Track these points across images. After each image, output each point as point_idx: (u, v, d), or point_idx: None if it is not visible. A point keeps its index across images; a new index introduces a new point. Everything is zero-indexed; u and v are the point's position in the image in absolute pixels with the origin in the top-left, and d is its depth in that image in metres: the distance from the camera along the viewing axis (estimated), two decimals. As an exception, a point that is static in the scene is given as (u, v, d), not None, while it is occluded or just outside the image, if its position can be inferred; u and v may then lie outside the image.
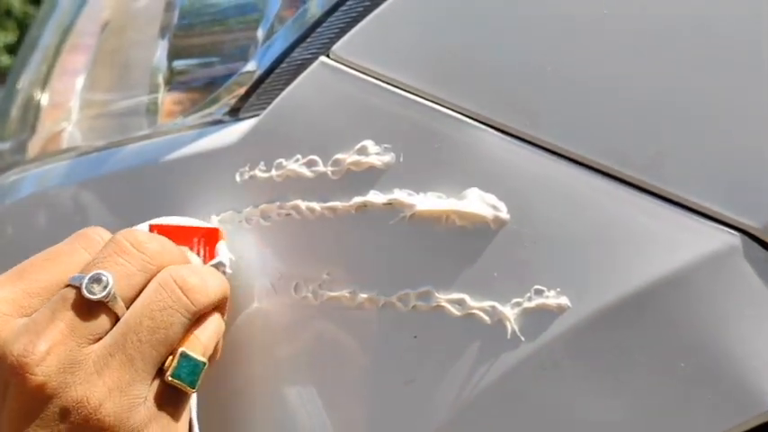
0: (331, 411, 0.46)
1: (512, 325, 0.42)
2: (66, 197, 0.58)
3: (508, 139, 0.44)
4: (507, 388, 0.42)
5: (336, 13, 0.48)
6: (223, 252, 0.47)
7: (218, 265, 0.46)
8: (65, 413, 0.38)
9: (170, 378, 0.41)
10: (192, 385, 0.41)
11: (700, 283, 0.40)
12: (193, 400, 0.45)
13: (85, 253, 0.43)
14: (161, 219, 0.47)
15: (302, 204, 0.47)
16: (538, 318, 0.42)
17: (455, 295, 0.43)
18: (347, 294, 0.45)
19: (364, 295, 0.45)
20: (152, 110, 0.57)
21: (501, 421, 0.43)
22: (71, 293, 0.40)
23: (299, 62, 0.49)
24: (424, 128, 0.45)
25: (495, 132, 0.44)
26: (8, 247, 0.62)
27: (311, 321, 0.46)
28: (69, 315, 0.39)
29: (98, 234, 0.44)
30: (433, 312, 0.43)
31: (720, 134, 0.41)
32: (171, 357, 0.41)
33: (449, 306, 0.43)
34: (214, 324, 0.44)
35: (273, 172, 0.48)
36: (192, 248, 0.47)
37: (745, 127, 0.41)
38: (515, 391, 0.42)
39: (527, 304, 0.42)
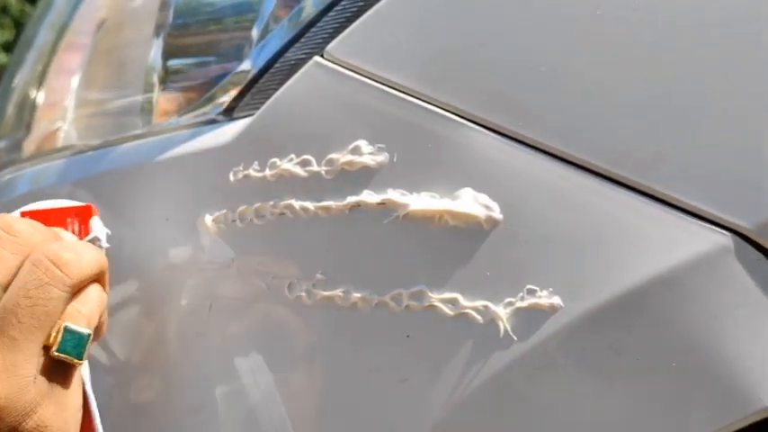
0: (322, 409, 0.46)
1: (504, 324, 0.42)
2: (60, 196, 0.58)
3: (502, 139, 0.44)
4: (500, 387, 0.42)
5: (331, 13, 0.48)
6: (97, 227, 0.48)
7: (94, 240, 0.47)
8: None
9: (56, 353, 0.41)
10: (80, 357, 0.42)
11: (692, 283, 0.41)
12: (86, 371, 0.45)
13: None
14: (31, 205, 0.48)
15: (296, 204, 0.47)
16: (530, 317, 0.42)
17: (448, 295, 0.43)
18: (340, 294, 0.45)
19: (357, 295, 0.45)
20: (147, 109, 0.57)
21: (494, 420, 0.43)
22: None
23: (293, 62, 0.49)
24: (418, 128, 0.45)
25: (489, 132, 0.44)
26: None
27: (305, 321, 0.46)
28: None
29: None
30: (425, 312, 0.44)
31: (713, 135, 0.41)
32: (54, 333, 0.41)
33: (442, 305, 0.43)
34: (94, 295, 0.44)
35: (267, 171, 0.48)
36: (66, 228, 0.47)
37: (738, 128, 0.41)
38: (508, 390, 0.42)
39: (520, 304, 0.42)
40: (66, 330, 0.41)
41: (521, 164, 0.43)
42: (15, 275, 0.42)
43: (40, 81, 0.70)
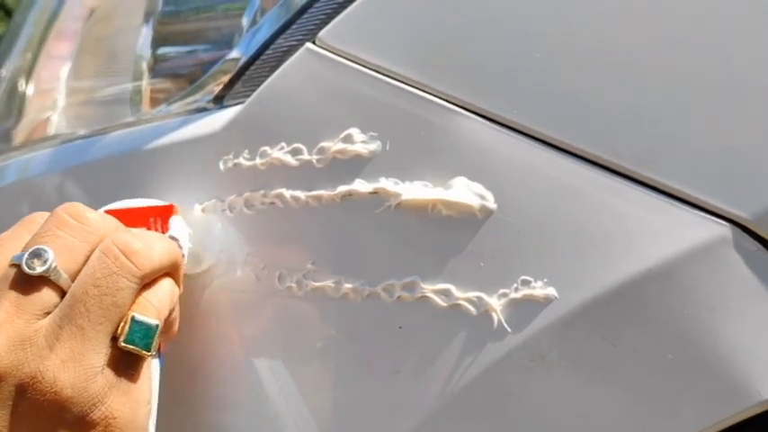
0: (313, 402, 0.45)
1: (498, 316, 0.42)
2: (49, 185, 0.57)
3: (496, 127, 0.43)
4: (493, 379, 0.42)
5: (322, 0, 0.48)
6: (176, 226, 0.46)
7: (171, 239, 0.46)
8: (21, 391, 0.38)
9: (123, 344, 0.40)
10: (147, 348, 0.41)
11: (690, 274, 0.40)
12: (155, 364, 0.44)
13: (29, 236, 0.42)
14: (114, 204, 0.47)
15: (286, 193, 0.46)
16: (524, 309, 0.41)
17: (441, 286, 0.43)
18: (331, 285, 0.44)
19: (349, 285, 0.44)
20: (136, 98, 0.57)
21: (487, 412, 0.42)
22: (12, 272, 0.40)
23: (284, 49, 0.48)
24: (411, 116, 0.44)
25: (483, 121, 0.43)
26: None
27: (295, 312, 0.46)
28: (12, 293, 0.39)
29: (43, 218, 0.43)
30: (418, 303, 0.43)
31: (711, 125, 0.41)
32: (123, 323, 0.40)
33: (434, 297, 0.43)
34: (166, 287, 0.43)
35: (258, 160, 0.47)
36: (149, 228, 0.46)
37: (737, 118, 0.40)
38: (501, 382, 0.42)
39: (513, 295, 0.41)
40: (134, 321, 0.40)
41: (516, 152, 0.42)
42: (84, 264, 0.41)
43: (29, 70, 0.69)
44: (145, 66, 0.56)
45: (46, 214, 0.43)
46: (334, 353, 0.45)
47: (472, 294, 0.42)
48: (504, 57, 0.43)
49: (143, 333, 0.40)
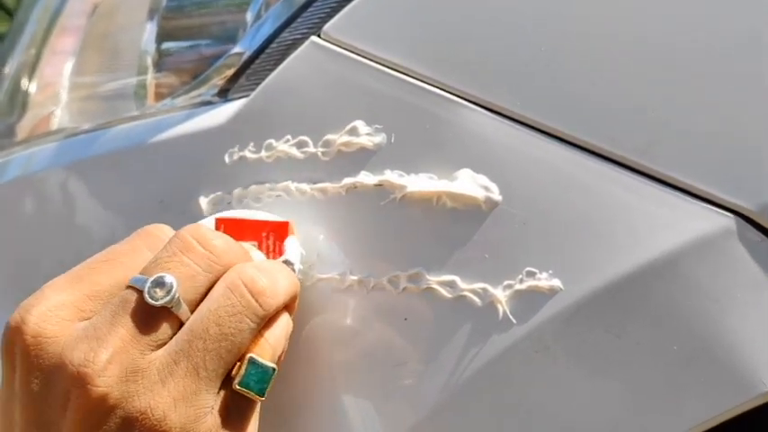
0: (315, 393, 0.45)
1: (503, 307, 0.42)
2: (52, 179, 0.57)
3: (501, 119, 0.43)
4: (498, 371, 0.42)
5: (327, -7, 0.48)
6: (291, 248, 0.44)
7: (287, 263, 0.44)
8: (128, 424, 0.36)
9: (238, 387, 0.38)
10: (261, 393, 0.39)
11: (694, 266, 0.40)
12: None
13: (148, 252, 0.40)
14: (227, 212, 0.46)
15: (292, 185, 0.46)
16: (529, 300, 0.41)
17: (446, 277, 0.43)
18: (337, 276, 0.45)
19: (354, 277, 0.44)
20: (140, 92, 0.57)
21: (491, 404, 0.42)
22: (132, 297, 0.38)
23: (289, 42, 0.48)
24: (416, 108, 0.44)
25: (488, 113, 0.43)
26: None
27: (301, 304, 0.46)
28: (130, 321, 0.37)
29: (162, 232, 0.42)
30: (423, 294, 0.43)
31: (714, 115, 0.41)
32: (239, 364, 0.39)
33: (440, 288, 0.43)
34: (283, 325, 0.41)
35: (263, 153, 0.47)
36: (261, 243, 0.45)
37: (739, 108, 0.40)
38: (506, 374, 0.42)
39: (518, 286, 0.42)
40: (251, 363, 0.38)
41: (520, 144, 0.43)
42: (204, 294, 0.39)
43: (33, 65, 0.69)
44: (149, 61, 0.57)
45: (166, 229, 0.42)
46: (338, 345, 0.45)
47: (477, 286, 0.42)
48: (508, 50, 0.43)
49: (259, 377, 0.39)
